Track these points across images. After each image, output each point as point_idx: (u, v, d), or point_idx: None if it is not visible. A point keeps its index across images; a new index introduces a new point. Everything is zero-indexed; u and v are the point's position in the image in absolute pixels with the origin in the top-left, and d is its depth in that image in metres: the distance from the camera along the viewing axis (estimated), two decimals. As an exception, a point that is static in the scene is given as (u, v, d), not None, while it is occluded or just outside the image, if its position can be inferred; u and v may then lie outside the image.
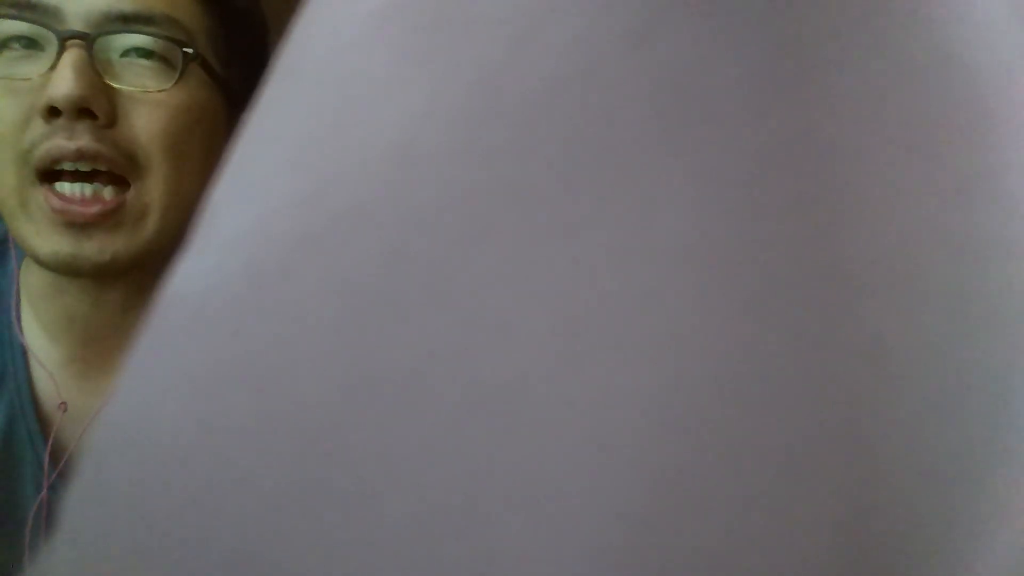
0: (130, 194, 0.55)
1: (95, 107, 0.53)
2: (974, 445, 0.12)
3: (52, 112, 0.53)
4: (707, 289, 0.11)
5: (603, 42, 0.11)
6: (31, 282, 0.62)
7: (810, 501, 0.10)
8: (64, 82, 0.52)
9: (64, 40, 0.53)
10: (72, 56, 0.53)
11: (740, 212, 0.11)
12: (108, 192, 0.55)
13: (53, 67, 0.53)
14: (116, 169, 0.55)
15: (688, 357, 0.10)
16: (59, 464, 0.61)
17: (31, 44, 0.55)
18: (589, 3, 0.11)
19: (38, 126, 0.54)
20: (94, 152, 0.53)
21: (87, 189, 0.54)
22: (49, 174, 0.54)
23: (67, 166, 0.54)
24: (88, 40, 0.54)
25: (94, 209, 0.54)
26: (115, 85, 0.55)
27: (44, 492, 0.60)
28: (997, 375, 0.12)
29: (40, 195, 0.54)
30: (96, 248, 0.55)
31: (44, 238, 0.55)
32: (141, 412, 0.12)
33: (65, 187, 0.54)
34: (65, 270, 0.56)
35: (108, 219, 0.55)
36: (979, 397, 0.12)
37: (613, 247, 0.11)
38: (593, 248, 0.11)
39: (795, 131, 0.11)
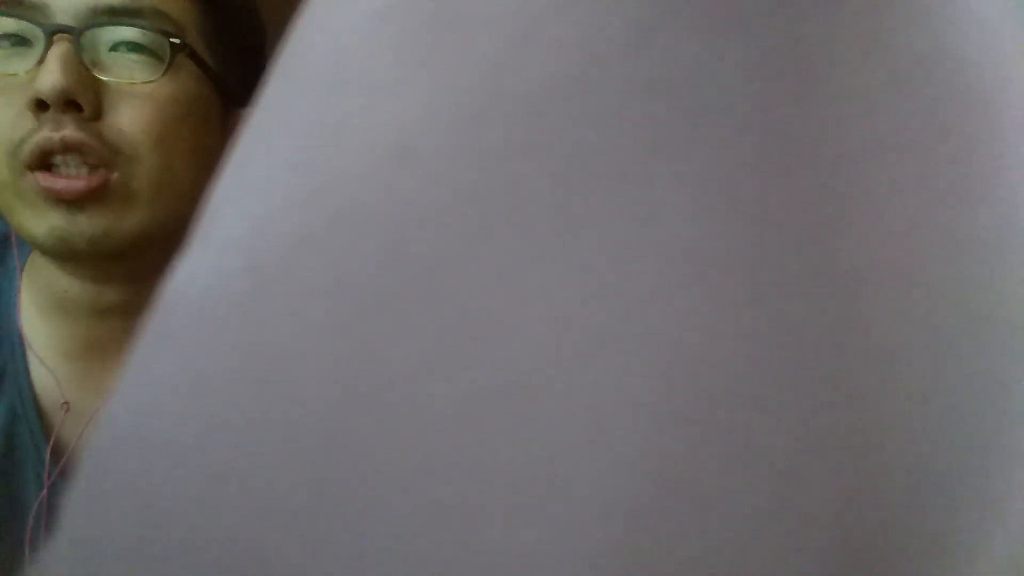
0: (114, 176, 0.56)
1: (81, 99, 0.53)
2: (974, 445, 0.12)
3: (40, 105, 0.53)
4: (707, 289, 0.11)
5: (603, 42, 0.11)
6: (33, 281, 0.62)
7: (810, 501, 0.10)
8: (50, 75, 0.52)
9: (51, 35, 0.54)
10: (59, 50, 0.53)
11: (740, 212, 0.11)
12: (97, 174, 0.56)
13: (41, 62, 0.54)
14: (101, 161, 0.55)
15: (688, 357, 0.10)
16: (60, 463, 0.61)
17: (20, 41, 0.55)
18: (589, 3, 0.11)
19: (28, 121, 0.54)
20: (78, 142, 0.54)
21: (80, 170, 0.55)
22: (40, 166, 0.55)
23: (57, 160, 0.54)
24: (75, 34, 0.54)
25: (80, 184, 0.55)
26: (102, 78, 0.55)
27: (45, 491, 0.60)
28: (997, 375, 0.12)
29: (31, 180, 0.55)
30: (89, 222, 0.56)
31: (39, 218, 0.55)
32: (141, 411, 0.12)
33: (56, 167, 0.55)
34: (63, 248, 0.56)
35: (95, 195, 0.55)
36: (979, 397, 0.12)
37: (613, 247, 0.11)
38: (593, 248, 0.11)
39: (795, 131, 0.11)
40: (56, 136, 0.54)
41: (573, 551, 0.10)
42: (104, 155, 0.55)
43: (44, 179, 0.54)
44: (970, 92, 0.12)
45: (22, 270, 0.64)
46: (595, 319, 0.10)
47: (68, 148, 0.54)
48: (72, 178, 0.55)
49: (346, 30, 0.13)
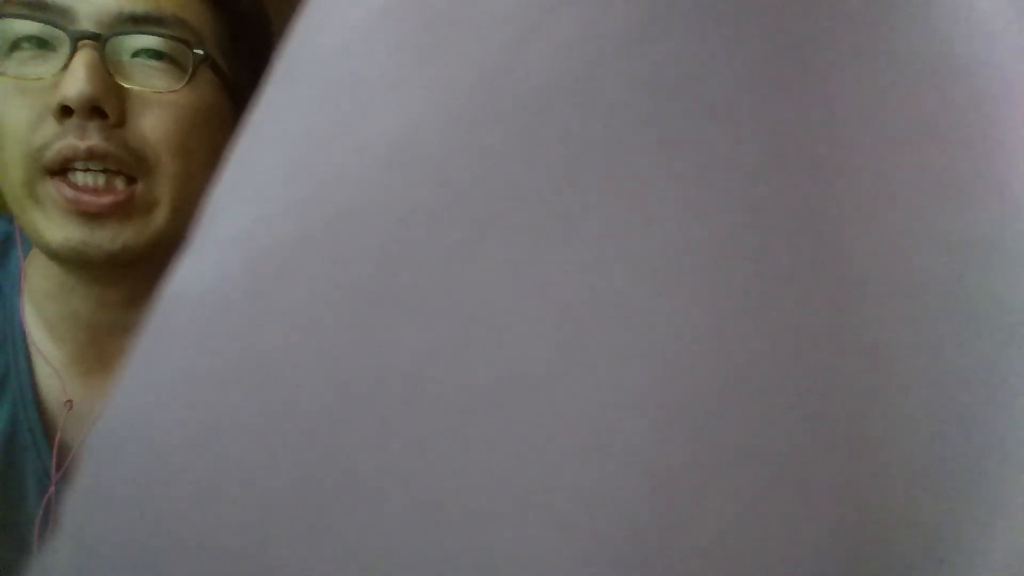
0: (139, 187, 0.56)
1: (106, 107, 0.54)
2: (974, 445, 0.12)
3: (64, 112, 0.53)
4: (706, 289, 0.11)
5: (603, 42, 0.11)
6: (36, 281, 0.62)
7: (810, 501, 0.10)
8: (77, 82, 0.53)
9: (76, 40, 0.54)
10: (85, 56, 0.54)
11: (740, 212, 0.11)
12: (120, 183, 0.56)
13: (65, 67, 0.54)
14: (125, 168, 0.55)
15: (688, 357, 0.10)
16: (65, 462, 0.61)
17: (43, 44, 0.55)
18: (589, 3, 0.11)
19: (50, 125, 0.54)
20: (103, 151, 0.54)
21: (100, 179, 0.55)
22: (60, 172, 0.55)
23: (78, 165, 0.54)
24: (100, 41, 0.54)
25: (107, 199, 0.55)
26: (126, 85, 0.55)
27: (52, 490, 0.60)
28: (997, 375, 0.12)
29: (52, 186, 0.55)
30: (108, 237, 0.56)
31: (56, 227, 0.55)
32: (141, 412, 0.12)
33: (78, 177, 0.55)
34: (76, 259, 0.56)
35: (120, 209, 0.55)
36: (979, 397, 0.12)
37: (612, 247, 0.11)
38: (592, 248, 0.11)
39: (794, 131, 0.11)
40: (82, 145, 0.54)
41: (573, 551, 0.10)
42: (128, 163, 0.55)
43: (68, 191, 0.54)
44: (970, 92, 0.12)
45: (24, 269, 0.64)
46: (595, 318, 0.10)
47: (93, 157, 0.54)
48: (99, 192, 0.55)
49: (346, 30, 0.13)
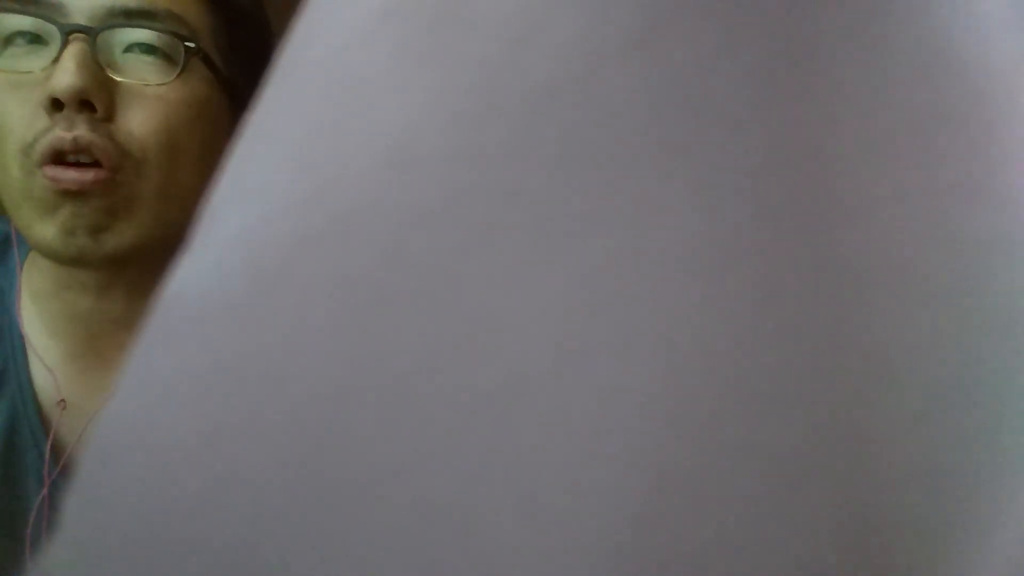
0: (120, 177, 0.56)
1: (95, 99, 0.54)
2: (974, 445, 0.12)
3: (54, 104, 0.53)
4: (707, 290, 0.11)
5: (603, 42, 0.11)
6: (35, 279, 0.62)
7: (810, 501, 0.10)
8: (66, 74, 0.53)
9: (67, 34, 0.54)
10: (75, 49, 0.53)
11: (740, 212, 0.11)
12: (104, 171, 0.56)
13: (56, 60, 0.54)
14: (109, 163, 0.55)
15: (688, 358, 0.10)
16: (60, 461, 0.61)
17: (35, 39, 0.55)
18: (589, 3, 0.11)
19: (41, 119, 0.54)
20: (88, 142, 0.54)
21: (87, 174, 0.55)
22: (51, 162, 0.55)
23: (70, 159, 0.54)
24: (91, 34, 0.54)
25: (88, 176, 0.54)
26: (117, 78, 0.55)
27: (46, 490, 0.60)
28: (997, 375, 0.12)
29: (42, 178, 0.55)
30: (93, 218, 0.55)
31: (46, 216, 0.55)
32: (141, 412, 0.12)
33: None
34: (68, 245, 0.56)
35: (101, 186, 0.55)
36: (979, 397, 0.12)
37: (613, 248, 0.11)
38: (593, 249, 0.11)
39: (795, 131, 0.11)
40: (68, 136, 0.54)
41: (573, 551, 0.10)
42: (114, 156, 0.55)
43: (52, 170, 0.54)
44: (970, 92, 0.12)
45: (22, 268, 0.64)
46: (595, 318, 0.11)
47: (80, 149, 0.54)
48: (80, 168, 0.55)
49: (346, 30, 0.13)
